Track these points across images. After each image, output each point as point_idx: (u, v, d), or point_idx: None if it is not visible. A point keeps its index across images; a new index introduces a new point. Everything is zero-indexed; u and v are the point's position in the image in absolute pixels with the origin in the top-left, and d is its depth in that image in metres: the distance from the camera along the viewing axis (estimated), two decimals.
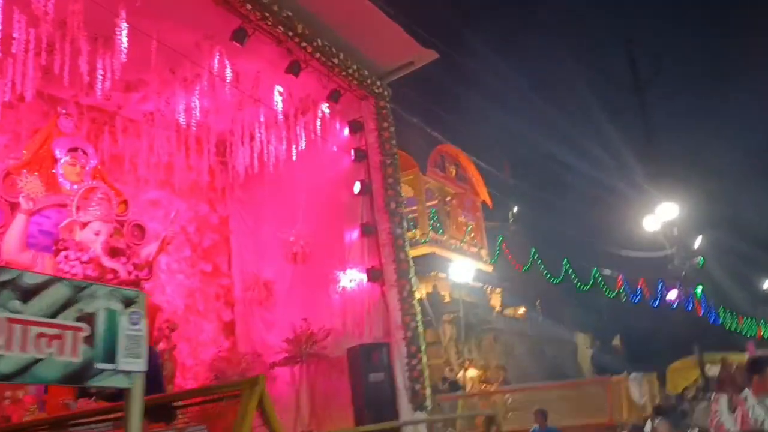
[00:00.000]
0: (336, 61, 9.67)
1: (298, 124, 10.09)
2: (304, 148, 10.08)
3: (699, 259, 18.57)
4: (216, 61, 8.32)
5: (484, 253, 22.98)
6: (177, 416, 4.30)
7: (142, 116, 9.77)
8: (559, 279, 28.82)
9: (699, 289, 22.16)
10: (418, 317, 9.85)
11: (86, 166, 8.33)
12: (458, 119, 24.71)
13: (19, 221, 7.45)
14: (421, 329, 9.88)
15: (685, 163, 28.15)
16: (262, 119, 9.85)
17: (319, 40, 9.23)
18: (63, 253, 7.28)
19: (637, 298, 30.99)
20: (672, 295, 21.68)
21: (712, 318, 30.92)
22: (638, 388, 12.61)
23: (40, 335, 2.13)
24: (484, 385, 15.58)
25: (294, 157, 10.01)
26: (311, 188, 10.60)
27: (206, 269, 11.00)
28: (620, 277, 29.99)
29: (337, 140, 10.55)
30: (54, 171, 8.08)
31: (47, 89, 8.32)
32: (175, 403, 3.82)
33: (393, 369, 9.39)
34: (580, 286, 29.44)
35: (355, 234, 10.19)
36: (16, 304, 2.10)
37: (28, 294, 2.13)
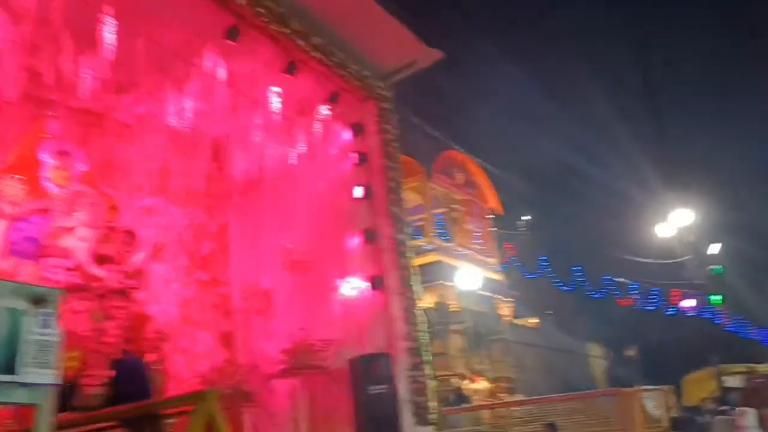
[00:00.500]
0: (335, 60, 9.32)
1: (297, 126, 9.78)
2: (303, 151, 9.75)
3: (715, 267, 18.17)
4: (210, 62, 7.98)
5: (493, 261, 22.53)
6: (165, 428, 4.13)
7: (135, 119, 9.47)
8: (573, 287, 28.37)
9: (717, 297, 21.58)
10: (423, 327, 9.46)
11: (75, 170, 8.02)
12: (468, 125, 24.45)
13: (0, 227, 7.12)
14: (425, 339, 9.50)
15: (699, 169, 27.69)
16: (259, 122, 9.53)
17: (317, 39, 8.89)
18: (46, 260, 6.97)
19: (652, 307, 30.37)
20: (688, 303, 21.20)
21: (730, 328, 30.30)
22: (652, 401, 12.27)
23: None
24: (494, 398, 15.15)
25: (294, 161, 9.68)
26: (311, 193, 10.22)
27: (203, 278, 10.64)
28: (633, 285, 29.44)
29: (337, 143, 10.20)
30: (40, 175, 7.76)
31: (35, 91, 8.00)
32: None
33: (396, 381, 8.98)
34: (592, 295, 28.94)
35: (356, 240, 9.81)
36: None
37: None
